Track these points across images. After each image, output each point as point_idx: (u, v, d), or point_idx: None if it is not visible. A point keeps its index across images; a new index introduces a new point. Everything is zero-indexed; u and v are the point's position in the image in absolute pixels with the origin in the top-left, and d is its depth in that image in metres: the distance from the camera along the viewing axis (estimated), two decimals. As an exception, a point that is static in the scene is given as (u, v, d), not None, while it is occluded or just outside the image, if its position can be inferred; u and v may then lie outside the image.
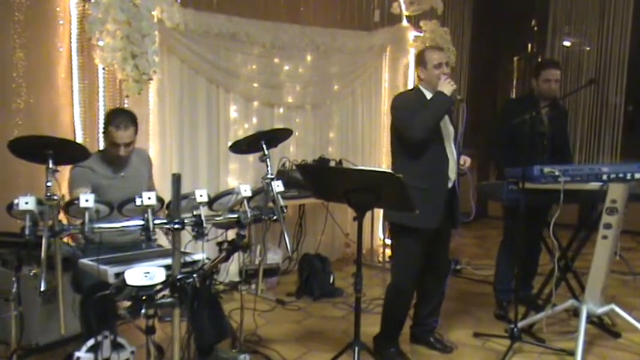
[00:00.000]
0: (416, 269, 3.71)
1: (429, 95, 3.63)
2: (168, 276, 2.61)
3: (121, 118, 3.46)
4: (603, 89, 7.81)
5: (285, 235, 2.99)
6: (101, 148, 4.04)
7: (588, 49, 7.94)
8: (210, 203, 2.94)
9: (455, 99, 3.57)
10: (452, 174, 3.66)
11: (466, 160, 3.69)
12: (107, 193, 3.36)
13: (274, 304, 4.82)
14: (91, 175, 3.39)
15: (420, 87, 3.71)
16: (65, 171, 3.34)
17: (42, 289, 2.43)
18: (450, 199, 3.68)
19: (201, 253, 3.09)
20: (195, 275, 2.70)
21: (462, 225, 3.86)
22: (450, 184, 3.66)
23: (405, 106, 3.63)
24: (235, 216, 2.97)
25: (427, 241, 3.66)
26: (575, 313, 4.21)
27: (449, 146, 3.66)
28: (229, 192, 3.05)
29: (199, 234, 2.77)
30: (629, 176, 3.68)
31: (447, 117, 3.68)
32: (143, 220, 2.65)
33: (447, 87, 3.54)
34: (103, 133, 3.53)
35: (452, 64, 6.60)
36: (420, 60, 3.72)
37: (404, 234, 3.66)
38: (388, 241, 5.80)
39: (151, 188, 3.67)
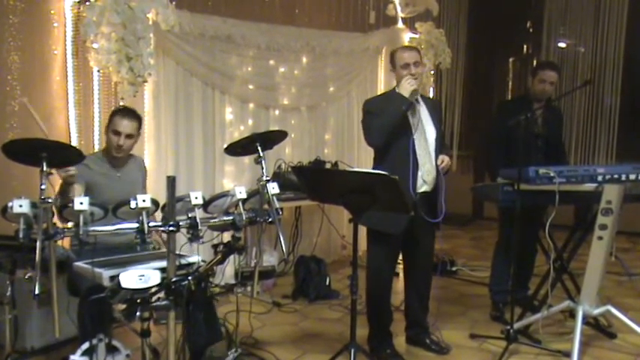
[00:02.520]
0: (388, 270, 3.80)
1: None
2: (163, 279, 2.61)
3: (128, 110, 3.60)
4: (598, 90, 7.83)
5: (281, 237, 2.99)
6: (97, 149, 4.07)
7: (583, 50, 7.96)
8: (205, 205, 2.94)
9: (414, 99, 3.56)
10: (428, 176, 3.65)
11: (443, 159, 3.67)
12: (102, 191, 3.37)
13: (270, 307, 4.81)
14: (86, 173, 3.38)
15: (396, 88, 3.73)
16: (60, 173, 3.34)
17: (36, 292, 2.42)
18: (428, 200, 3.67)
19: (196, 255, 3.09)
20: (190, 278, 2.69)
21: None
22: (426, 187, 3.66)
23: (370, 109, 3.68)
24: (230, 218, 2.97)
25: (405, 243, 3.71)
26: (571, 314, 4.21)
27: (425, 148, 3.65)
28: (224, 194, 3.04)
29: (194, 236, 2.77)
30: (624, 177, 3.69)
31: (426, 117, 3.68)
32: (138, 222, 2.65)
33: (405, 87, 3.56)
34: (106, 127, 3.55)
35: (447, 65, 6.63)
36: (391, 61, 3.77)
37: (376, 237, 3.72)
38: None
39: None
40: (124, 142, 3.51)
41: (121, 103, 4.30)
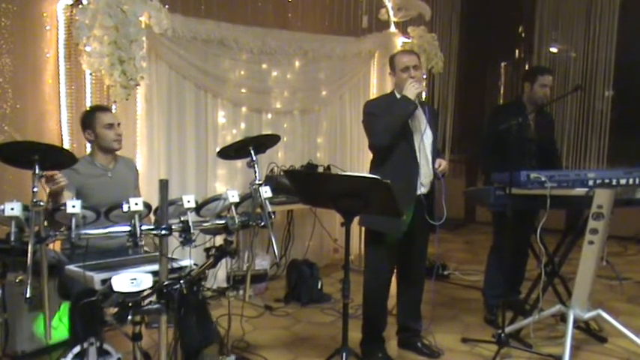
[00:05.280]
0: (386, 273, 3.80)
1: None
2: (155, 282, 2.60)
3: (100, 105, 3.74)
4: (589, 95, 7.87)
5: (273, 240, 2.99)
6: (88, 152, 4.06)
7: (574, 55, 8.01)
8: (197, 209, 2.93)
9: (419, 102, 3.59)
10: (425, 179, 3.67)
11: (441, 163, 3.69)
12: (94, 194, 3.36)
13: (262, 310, 4.81)
14: (75, 178, 3.37)
15: (395, 91, 3.77)
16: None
17: (27, 295, 2.41)
18: (425, 204, 3.68)
19: (188, 259, 3.08)
20: (182, 281, 2.69)
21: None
22: (423, 189, 3.67)
23: (372, 110, 3.71)
24: (223, 222, 2.96)
25: (400, 246, 3.71)
26: (563, 318, 4.22)
27: (423, 151, 3.66)
28: (217, 198, 3.04)
29: (187, 240, 2.76)
30: (614, 182, 3.71)
31: (424, 121, 3.71)
32: (130, 225, 2.64)
33: (410, 90, 3.58)
34: (88, 129, 3.56)
35: (439, 70, 6.65)
36: (390, 64, 3.81)
37: (374, 239, 3.74)
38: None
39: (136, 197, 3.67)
40: (121, 131, 3.59)
41: (114, 107, 4.30)
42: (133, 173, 3.85)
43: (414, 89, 3.57)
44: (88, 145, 4.16)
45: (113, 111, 4.30)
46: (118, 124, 3.59)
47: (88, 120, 3.56)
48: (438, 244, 3.82)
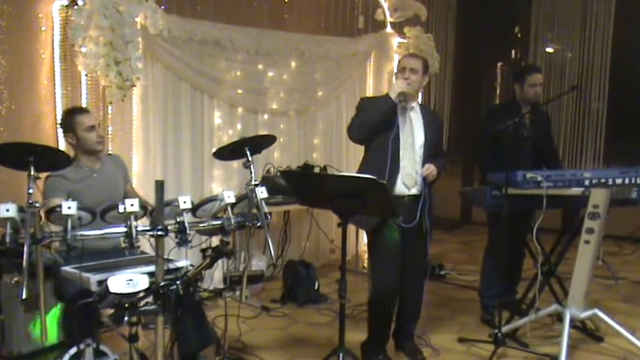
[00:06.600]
0: (385, 274, 3.72)
1: None
2: (151, 283, 2.60)
3: (79, 107, 3.72)
4: (585, 95, 7.89)
5: (270, 241, 2.98)
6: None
7: (570, 55, 8.02)
8: (193, 210, 2.93)
9: (397, 100, 3.59)
10: (409, 180, 3.65)
11: (429, 167, 3.66)
12: (83, 197, 3.33)
13: (259, 311, 4.80)
14: (64, 184, 3.36)
15: None
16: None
17: (23, 297, 2.40)
18: (412, 207, 3.66)
19: (184, 260, 3.08)
20: (178, 282, 2.68)
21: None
22: (406, 190, 3.65)
23: (359, 106, 3.78)
24: (219, 223, 2.96)
25: (395, 246, 3.67)
26: (559, 317, 4.23)
27: (409, 151, 3.66)
28: (213, 198, 3.04)
29: (183, 241, 2.76)
30: (610, 182, 3.72)
31: (418, 123, 3.71)
32: (126, 226, 2.64)
33: (393, 88, 3.63)
34: (68, 134, 3.54)
35: (435, 70, 6.65)
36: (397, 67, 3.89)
37: (371, 240, 3.77)
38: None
39: (129, 192, 3.68)
40: (102, 132, 3.60)
41: (109, 108, 4.29)
42: (122, 169, 3.83)
43: (396, 87, 3.61)
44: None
45: (110, 112, 4.34)
46: (98, 125, 3.58)
47: (68, 124, 3.54)
48: (430, 246, 3.80)
